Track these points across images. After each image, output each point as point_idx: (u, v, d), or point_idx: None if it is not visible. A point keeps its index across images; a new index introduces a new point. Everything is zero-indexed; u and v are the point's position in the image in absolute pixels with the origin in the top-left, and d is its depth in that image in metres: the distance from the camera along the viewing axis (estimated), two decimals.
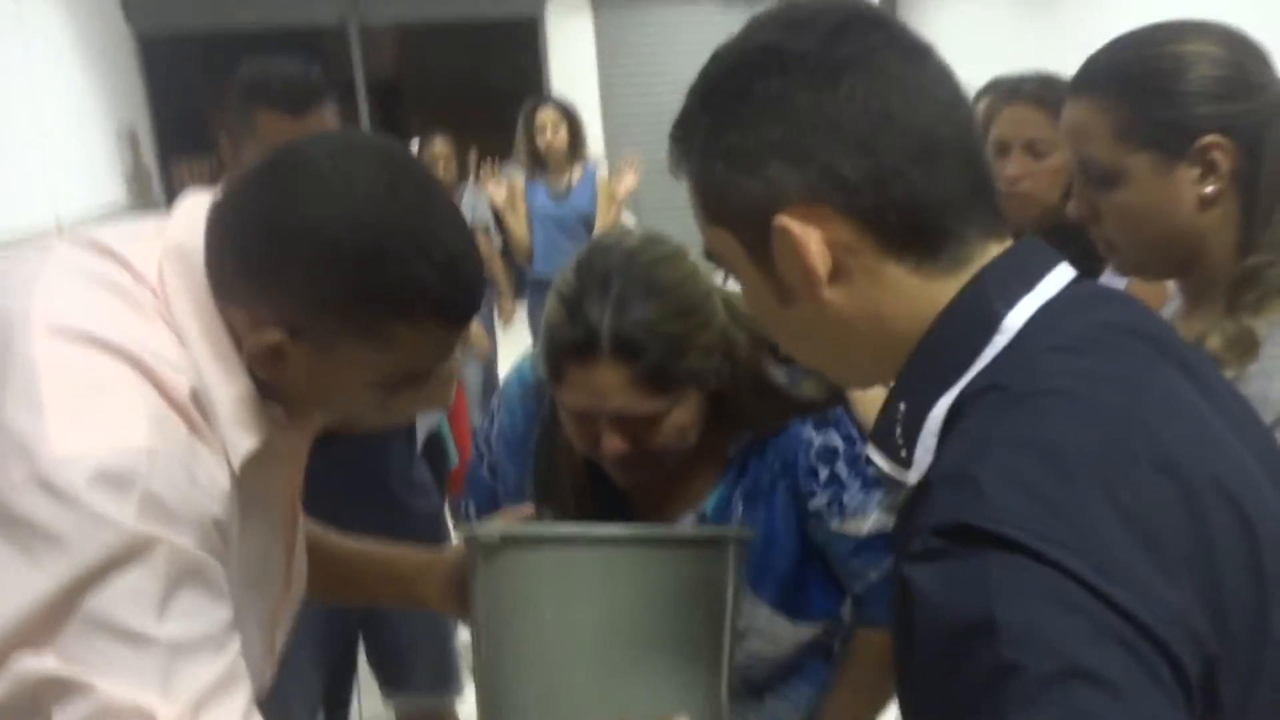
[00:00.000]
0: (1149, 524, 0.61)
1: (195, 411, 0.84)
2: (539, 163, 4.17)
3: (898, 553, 0.70)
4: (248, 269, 0.85)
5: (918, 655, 0.63)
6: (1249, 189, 1.09)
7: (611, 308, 1.03)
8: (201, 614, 0.80)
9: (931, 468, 0.72)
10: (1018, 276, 0.73)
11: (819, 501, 1.20)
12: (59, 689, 0.74)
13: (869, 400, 1.17)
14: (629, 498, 1.23)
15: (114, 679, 0.74)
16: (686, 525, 1.22)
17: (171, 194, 8.36)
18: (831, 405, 1.19)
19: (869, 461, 1.09)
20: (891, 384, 0.78)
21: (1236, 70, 1.09)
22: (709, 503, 1.23)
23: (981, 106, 1.85)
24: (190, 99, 8.19)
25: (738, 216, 0.75)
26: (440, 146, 4.15)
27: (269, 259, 0.84)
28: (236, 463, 0.86)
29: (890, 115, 0.71)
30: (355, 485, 1.74)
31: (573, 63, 8.75)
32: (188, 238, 0.88)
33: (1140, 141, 1.09)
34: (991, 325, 0.71)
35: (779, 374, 1.17)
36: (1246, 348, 1.07)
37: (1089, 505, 0.61)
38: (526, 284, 4.36)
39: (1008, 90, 1.84)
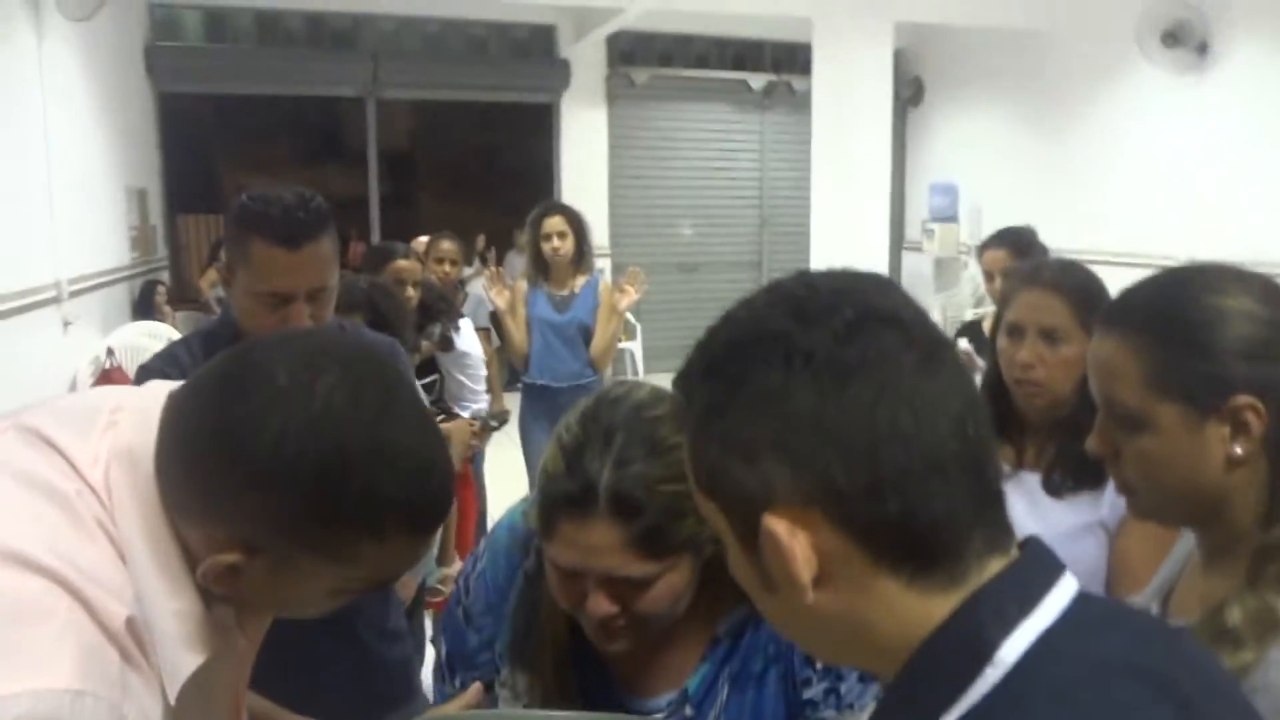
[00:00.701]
0: None
1: (130, 640, 0.79)
2: (543, 269, 4.18)
3: None
4: (199, 488, 0.81)
5: None
6: (1276, 455, 1.05)
7: (612, 462, 0.99)
8: None
9: None
10: (1016, 599, 0.69)
11: (814, 691, 1.15)
12: None
13: None
14: (610, 668, 1.18)
15: None
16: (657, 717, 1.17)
17: (175, 250, 8.41)
18: None
19: None
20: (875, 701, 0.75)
21: (1275, 331, 1.06)
22: (693, 681, 1.17)
23: (998, 287, 1.86)
24: (203, 155, 8.28)
25: (729, 500, 0.72)
26: (447, 245, 4.16)
27: (222, 480, 0.80)
28: (174, 689, 0.82)
29: (895, 429, 0.68)
30: (323, 634, 1.71)
31: (585, 150, 8.89)
32: (139, 440, 0.84)
33: (1171, 392, 1.06)
34: (984, 656, 0.67)
35: None
36: (1268, 626, 1.03)
37: None
38: (521, 393, 4.32)
39: (1026, 275, 1.82)
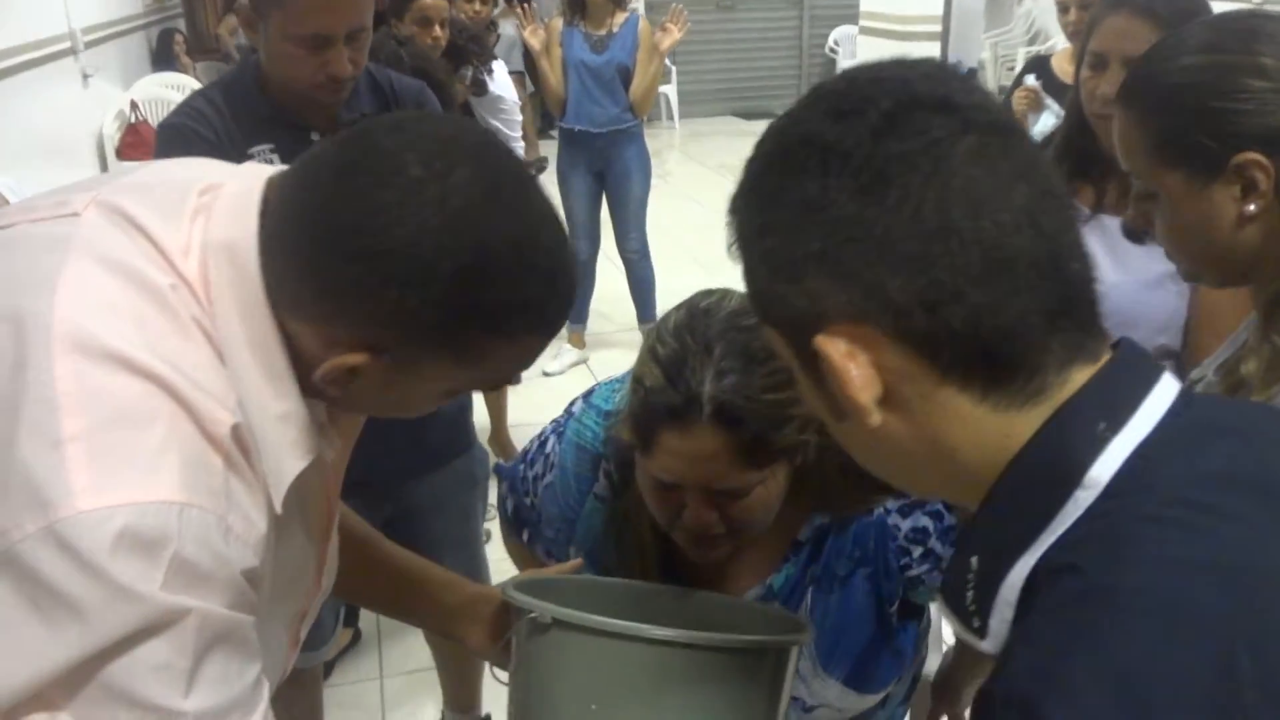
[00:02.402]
0: None
1: (235, 448, 0.75)
2: (578, 6, 3.93)
3: None
4: (324, 287, 0.75)
5: None
6: None
7: (713, 373, 0.98)
8: (230, 678, 0.74)
9: (1001, 663, 0.63)
10: (1107, 412, 0.62)
11: (918, 571, 1.18)
12: None
13: None
14: (692, 568, 1.19)
15: None
16: (748, 603, 1.19)
17: (190, 5, 8.04)
18: None
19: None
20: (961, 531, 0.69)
21: (1275, 80, 1.02)
22: (778, 579, 1.19)
23: (1073, 19, 1.71)
24: None
25: (783, 324, 0.67)
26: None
27: (351, 279, 0.74)
28: (279, 495, 0.79)
29: (948, 227, 0.60)
30: None
31: None
32: (238, 232, 0.77)
33: (1173, 159, 1.05)
34: (1073, 478, 0.61)
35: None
36: (1277, 370, 1.03)
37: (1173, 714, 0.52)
38: (559, 138, 4.16)
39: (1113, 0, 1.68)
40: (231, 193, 0.80)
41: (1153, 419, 0.62)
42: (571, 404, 1.30)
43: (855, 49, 9.19)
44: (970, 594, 0.66)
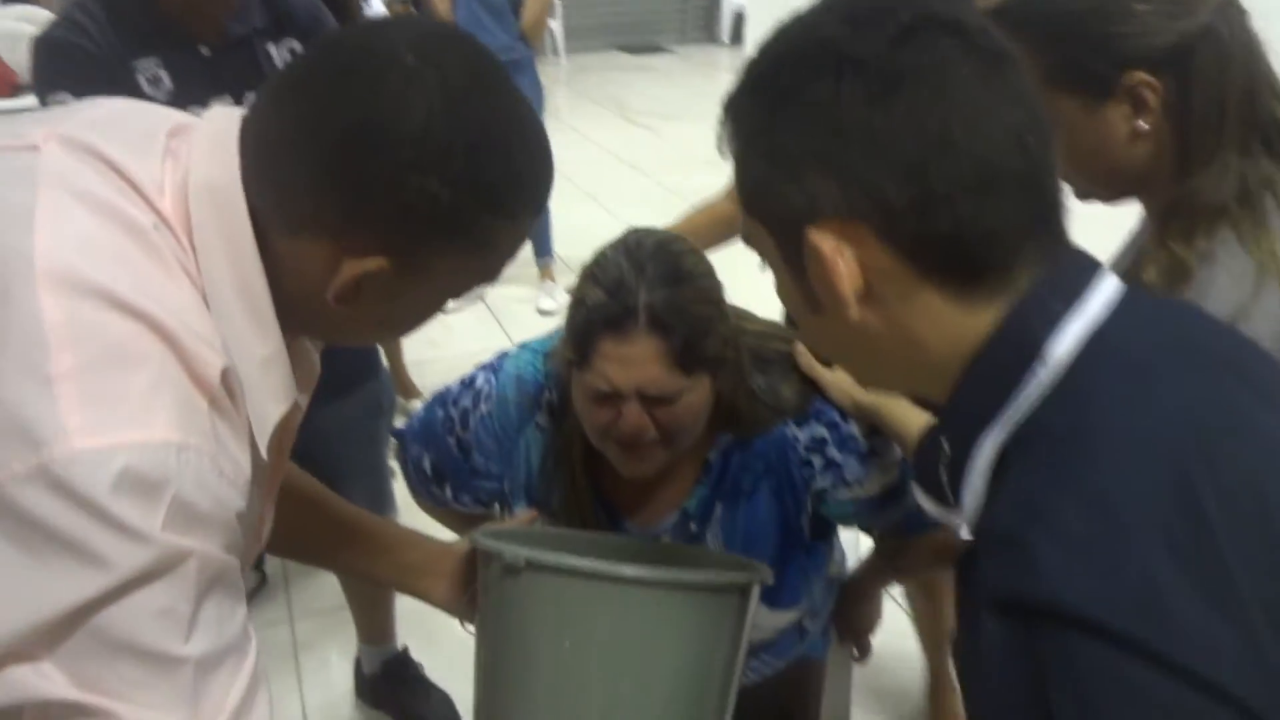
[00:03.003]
0: (1216, 569, 0.58)
1: (222, 391, 0.73)
2: None
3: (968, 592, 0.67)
4: (342, 190, 0.74)
5: (983, 697, 0.64)
6: (1181, 119, 1.08)
7: (647, 286, 1.09)
8: (225, 621, 0.72)
9: (982, 520, 0.69)
10: (1059, 298, 0.68)
11: (821, 483, 1.26)
12: (70, 713, 0.66)
13: (843, 379, 1.23)
14: (617, 506, 1.31)
15: (140, 706, 0.67)
16: (663, 536, 1.28)
17: None
18: (809, 404, 1.25)
19: (861, 441, 1.20)
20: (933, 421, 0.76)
21: (1155, 2, 1.07)
22: (691, 501, 1.28)
23: None
24: None
25: (773, 217, 0.72)
26: None
27: (373, 174, 0.74)
28: (264, 439, 0.78)
29: (948, 140, 0.66)
30: None
31: None
32: (219, 174, 0.75)
33: (1065, 85, 1.09)
34: (1031, 354, 0.67)
35: (760, 381, 1.24)
36: (1178, 278, 1.08)
37: (1150, 561, 0.58)
38: None
39: None
40: (205, 134, 0.78)
41: (1103, 303, 0.68)
42: (495, 357, 1.36)
43: None
44: (943, 471, 0.72)
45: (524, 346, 1.36)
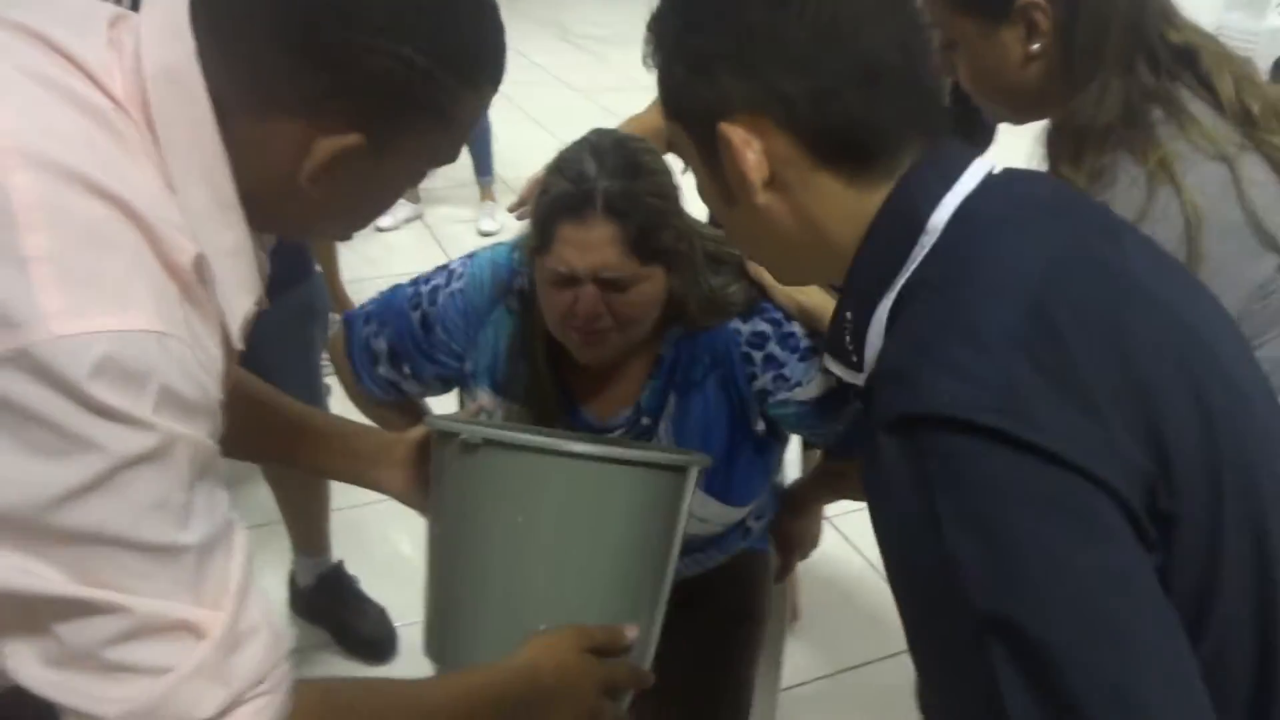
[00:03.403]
0: (1071, 374, 0.67)
1: (195, 279, 0.71)
2: None
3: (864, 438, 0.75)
4: (313, 62, 0.72)
5: (886, 530, 0.72)
6: (1068, 43, 1.14)
7: (606, 173, 1.16)
8: (214, 508, 0.71)
9: (877, 365, 0.77)
10: (938, 178, 0.77)
11: (763, 381, 1.29)
12: (72, 611, 0.65)
13: (785, 289, 1.29)
14: (575, 398, 1.36)
15: (146, 596, 0.66)
16: (618, 432, 1.33)
17: None
18: (755, 303, 1.30)
19: (805, 341, 1.28)
20: (837, 293, 0.83)
21: None
22: (644, 395, 1.33)
23: None
24: None
25: (691, 116, 0.81)
26: None
27: (344, 40, 0.72)
28: (236, 328, 0.76)
29: (836, 38, 0.75)
30: None
31: None
32: (174, 57, 0.72)
33: (966, 7, 1.17)
34: (917, 227, 0.76)
35: (711, 280, 1.29)
36: None
37: (1011, 370, 0.66)
38: None
39: None
40: (152, 19, 0.74)
41: (975, 179, 0.77)
42: (466, 256, 1.41)
43: None
44: (848, 338, 0.81)
45: (498, 243, 1.41)
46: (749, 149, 0.77)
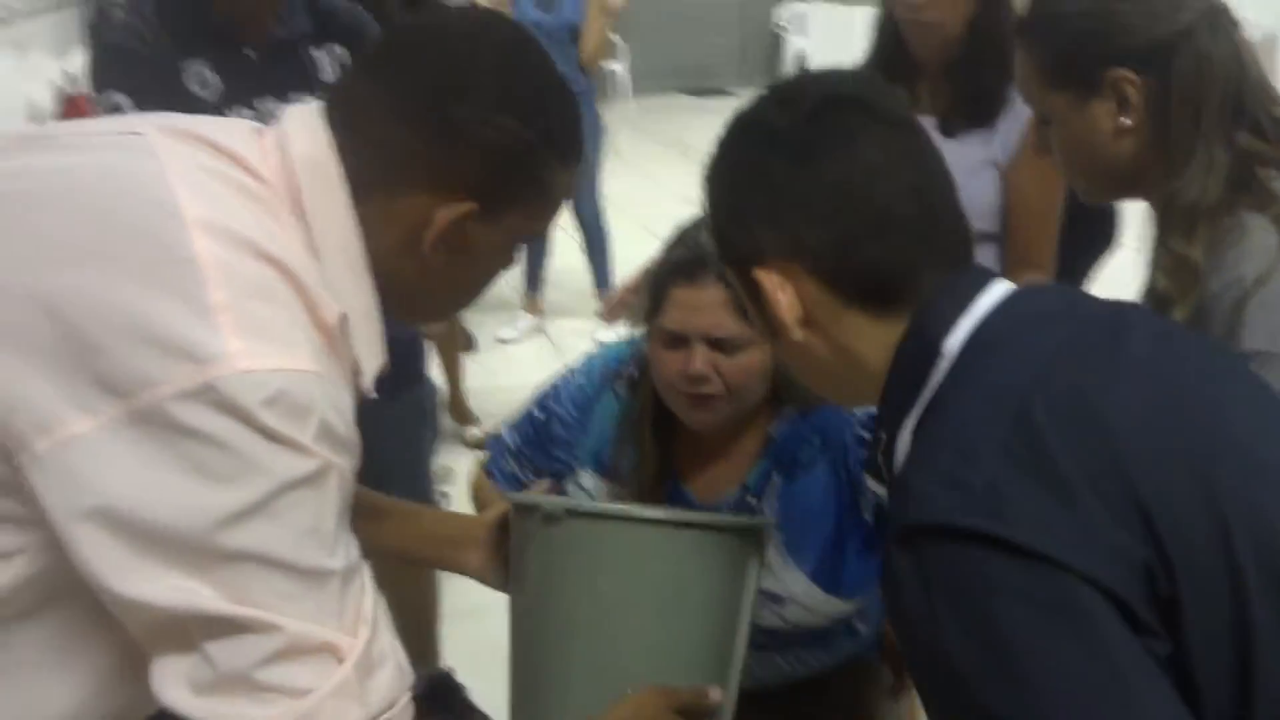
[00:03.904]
0: (1050, 469, 0.70)
1: (339, 335, 0.81)
2: None
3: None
4: (436, 138, 0.84)
5: (904, 637, 0.77)
6: (1163, 116, 1.13)
7: None
8: (352, 540, 0.79)
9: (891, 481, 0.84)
10: (953, 305, 0.82)
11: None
12: (222, 630, 0.70)
13: None
14: (682, 479, 1.37)
15: (296, 617, 0.72)
16: (723, 512, 1.33)
17: None
18: None
19: None
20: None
21: (1139, 4, 1.14)
22: (752, 474, 1.33)
23: None
24: None
25: (734, 261, 0.90)
26: None
27: (461, 117, 0.84)
28: (369, 381, 0.86)
29: (850, 194, 0.83)
30: None
31: None
32: (315, 149, 0.84)
33: (1056, 82, 1.18)
34: (933, 353, 0.82)
35: None
36: (1187, 277, 1.12)
37: (995, 474, 0.71)
38: None
39: None
40: (290, 122, 0.86)
41: (989, 304, 0.82)
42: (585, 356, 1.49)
43: (805, 25, 9.21)
44: (880, 458, 0.87)
45: (615, 342, 1.50)
46: (781, 293, 0.85)
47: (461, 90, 0.84)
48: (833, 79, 0.93)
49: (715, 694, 1.10)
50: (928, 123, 1.71)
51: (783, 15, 9.54)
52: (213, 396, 0.69)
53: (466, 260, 0.89)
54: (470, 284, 0.96)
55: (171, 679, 0.72)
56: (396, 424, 1.90)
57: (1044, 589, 0.67)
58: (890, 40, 1.80)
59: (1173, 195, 1.14)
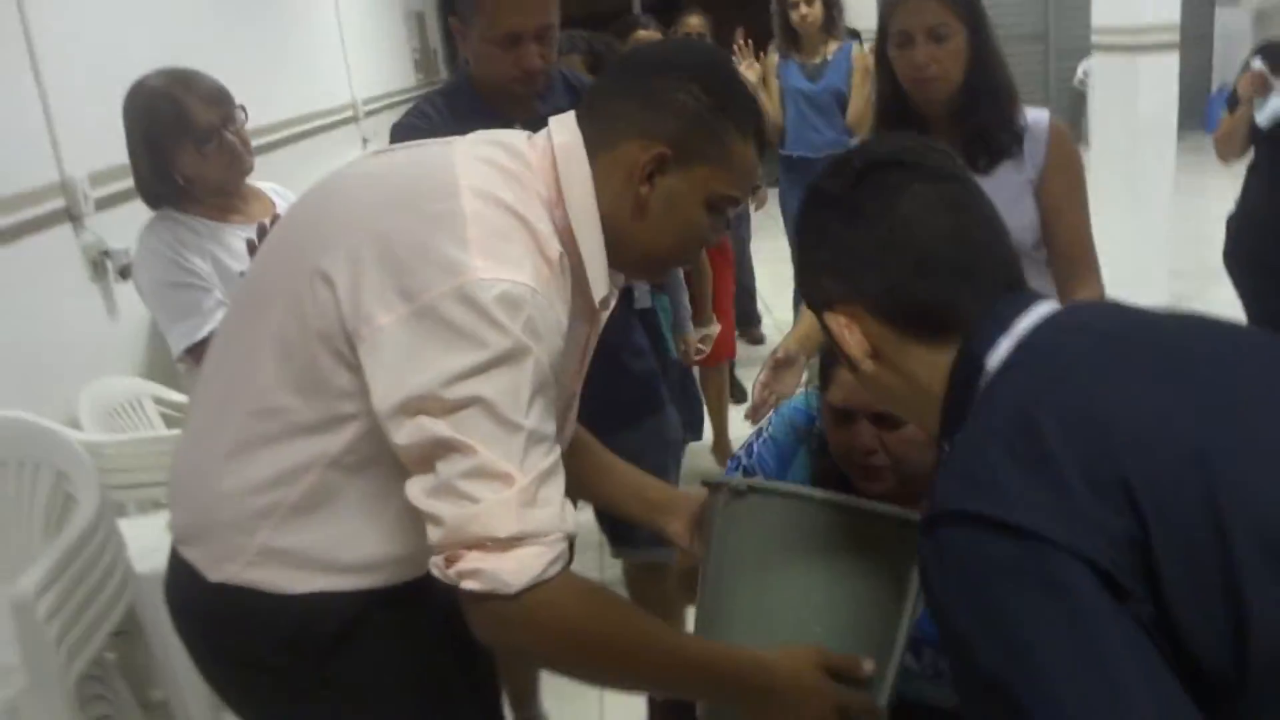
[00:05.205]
0: (1044, 459, 0.77)
1: (560, 268, 1.09)
2: (792, 39, 4.09)
3: None
4: (642, 103, 1.14)
5: (933, 608, 0.84)
6: None
7: None
8: (546, 418, 1.05)
9: None
10: (996, 326, 0.92)
11: None
12: (447, 448, 1.00)
13: None
14: None
15: (490, 449, 0.99)
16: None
17: (456, 68, 8.85)
18: None
19: None
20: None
21: None
22: None
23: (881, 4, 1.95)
24: None
25: (814, 306, 1.05)
26: (695, 21, 4.12)
27: (660, 85, 1.14)
28: (599, 293, 1.16)
29: (893, 244, 0.96)
30: None
31: None
32: (568, 139, 1.16)
33: None
34: (977, 371, 0.91)
35: None
36: None
37: (994, 464, 0.80)
38: (779, 166, 4.31)
39: None
40: (556, 124, 1.19)
41: (1032, 322, 0.91)
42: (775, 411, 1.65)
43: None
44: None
45: (802, 392, 1.65)
46: (848, 331, 0.99)
47: (664, 66, 1.16)
48: (876, 145, 1.09)
49: (868, 665, 1.18)
50: None
51: (1083, 68, 9.18)
52: (461, 294, 0.99)
53: (667, 204, 1.15)
54: (674, 231, 1.18)
55: (415, 486, 1.02)
56: (639, 449, 2.07)
57: (1034, 564, 0.74)
58: (895, 99, 1.94)
59: None
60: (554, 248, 1.09)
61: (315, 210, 1.18)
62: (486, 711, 1.37)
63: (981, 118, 1.87)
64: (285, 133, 4.67)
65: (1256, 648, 0.71)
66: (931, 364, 0.96)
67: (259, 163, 2.28)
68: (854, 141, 4.10)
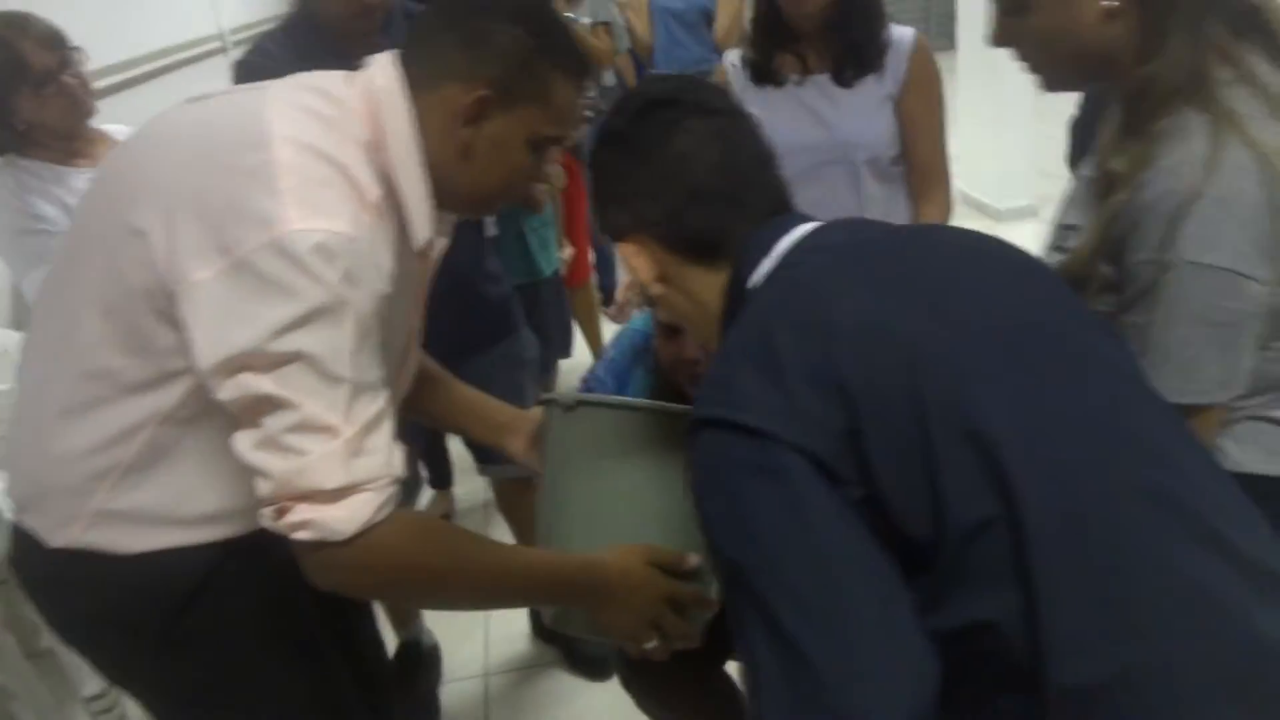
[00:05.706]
0: (775, 366, 0.87)
1: (379, 212, 1.10)
2: None
3: None
4: (463, 45, 1.14)
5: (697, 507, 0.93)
6: (1145, 2, 1.15)
7: None
8: (371, 366, 1.07)
9: None
10: (758, 249, 1.02)
11: None
12: (271, 404, 1.01)
13: None
14: None
15: (314, 402, 1.01)
16: None
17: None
18: None
19: None
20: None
21: None
22: None
23: None
24: None
25: (612, 240, 1.13)
26: None
27: (482, 25, 1.14)
28: (418, 241, 1.16)
29: (666, 176, 1.06)
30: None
31: None
32: (388, 82, 1.16)
33: None
34: (743, 290, 1.01)
35: None
36: (1140, 160, 1.16)
37: (736, 372, 0.90)
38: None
39: None
40: (376, 66, 1.18)
41: (788, 245, 1.01)
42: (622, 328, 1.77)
43: None
44: None
45: (641, 314, 1.73)
46: (637, 259, 1.09)
47: (487, 6, 1.15)
48: (654, 84, 1.17)
49: (693, 559, 1.28)
50: (822, 79, 1.95)
51: None
52: (276, 247, 0.99)
53: (490, 146, 1.16)
54: (499, 172, 1.19)
55: (242, 441, 1.03)
56: (493, 370, 2.16)
57: (764, 458, 0.84)
58: (770, 13, 1.97)
59: (1131, 83, 1.18)
60: (374, 192, 1.09)
61: (127, 162, 1.16)
62: (352, 656, 1.40)
63: (852, 32, 1.92)
64: (142, 69, 4.50)
65: (951, 519, 0.82)
66: (710, 285, 1.06)
67: (116, 104, 2.25)
68: (723, 58, 4.15)
